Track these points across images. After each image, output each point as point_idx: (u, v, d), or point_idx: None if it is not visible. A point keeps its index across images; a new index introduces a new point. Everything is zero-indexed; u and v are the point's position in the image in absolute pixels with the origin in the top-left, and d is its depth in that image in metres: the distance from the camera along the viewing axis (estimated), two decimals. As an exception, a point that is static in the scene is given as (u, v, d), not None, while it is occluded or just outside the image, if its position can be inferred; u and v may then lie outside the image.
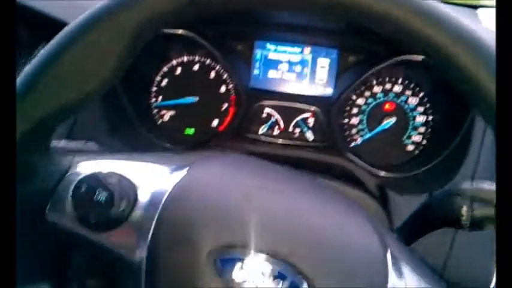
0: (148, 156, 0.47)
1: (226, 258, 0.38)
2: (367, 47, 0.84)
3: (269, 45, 0.87)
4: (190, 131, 0.90)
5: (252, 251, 0.38)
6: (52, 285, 0.50)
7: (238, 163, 0.49)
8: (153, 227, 0.39)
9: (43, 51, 0.35)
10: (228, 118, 0.89)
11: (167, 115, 0.90)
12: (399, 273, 0.42)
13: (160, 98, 0.90)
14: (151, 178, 0.44)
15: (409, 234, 0.62)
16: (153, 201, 0.41)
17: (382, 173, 0.84)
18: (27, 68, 0.35)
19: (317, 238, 0.41)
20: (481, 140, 0.75)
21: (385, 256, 0.42)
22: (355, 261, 0.41)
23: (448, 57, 0.34)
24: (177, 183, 0.42)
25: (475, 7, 0.95)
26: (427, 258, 0.69)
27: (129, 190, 0.42)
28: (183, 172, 0.43)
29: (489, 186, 0.51)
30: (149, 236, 0.39)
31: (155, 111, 0.90)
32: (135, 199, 0.42)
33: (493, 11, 0.95)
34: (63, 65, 0.35)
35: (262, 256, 0.38)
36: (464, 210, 0.50)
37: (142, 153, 0.47)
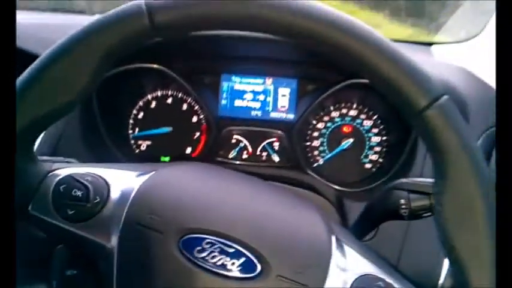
0: (120, 165, 0.54)
1: (188, 239, 0.44)
2: (323, 76, 0.94)
3: (234, 78, 0.96)
4: (165, 158, 0.98)
5: (210, 234, 0.44)
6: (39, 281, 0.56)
7: (201, 167, 0.56)
8: (123, 217, 0.46)
9: (30, 67, 0.41)
10: (200, 145, 0.97)
11: (144, 144, 0.98)
12: (342, 253, 0.47)
13: (137, 129, 0.98)
14: (122, 178, 0.51)
15: (359, 231, 0.67)
16: (124, 196, 0.48)
17: (340, 189, 0.91)
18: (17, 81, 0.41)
19: (268, 221, 0.48)
20: (423, 159, 0.83)
21: (329, 237, 0.47)
22: (303, 242, 0.46)
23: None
24: (145, 181, 0.49)
25: (429, 44, 1.05)
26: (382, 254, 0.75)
27: (102, 187, 0.49)
28: (150, 173, 0.51)
29: (423, 179, 0.56)
30: (120, 225, 0.46)
31: (132, 141, 0.98)
32: (108, 195, 0.49)
33: (446, 47, 1.05)
34: (47, 77, 0.41)
35: (220, 238, 0.44)
36: (402, 201, 0.55)
37: (115, 163, 0.54)
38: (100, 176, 0.50)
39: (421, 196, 0.55)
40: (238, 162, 0.95)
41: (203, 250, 0.43)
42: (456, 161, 0.38)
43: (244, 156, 0.96)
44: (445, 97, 0.38)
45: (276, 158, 0.95)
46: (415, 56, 0.40)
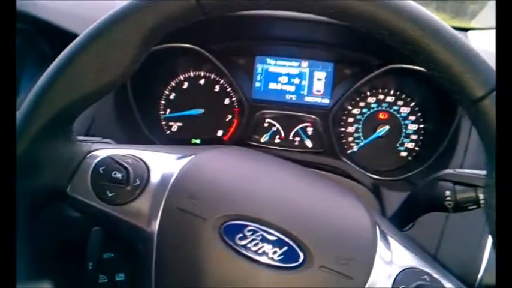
0: (159, 147, 0.53)
1: (229, 226, 0.43)
2: (360, 60, 0.91)
3: (269, 60, 0.93)
4: (196, 140, 0.96)
5: (252, 222, 0.43)
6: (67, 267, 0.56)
7: (242, 152, 0.55)
8: (163, 201, 0.45)
9: (69, 47, 0.40)
10: (232, 128, 0.95)
11: (175, 126, 0.97)
12: (387, 245, 0.46)
13: (168, 110, 0.96)
14: (162, 161, 0.50)
15: (400, 221, 0.65)
16: (164, 179, 0.47)
17: (376, 177, 0.89)
18: (55, 62, 0.40)
19: (311, 210, 0.46)
20: (467, 140, 0.80)
21: (374, 229, 0.46)
22: (347, 233, 0.45)
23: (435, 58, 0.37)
24: (185, 165, 0.48)
25: (465, 30, 1.01)
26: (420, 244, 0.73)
27: (142, 170, 0.48)
28: (190, 157, 0.49)
29: (469, 171, 0.55)
30: (161, 209, 0.45)
31: (164, 122, 0.97)
32: (148, 178, 0.48)
33: (482, 33, 1.01)
34: (88, 56, 0.40)
35: (262, 226, 0.43)
36: (447, 193, 0.54)
37: (154, 145, 0.53)
38: (140, 159, 0.49)
39: (467, 188, 0.53)
40: (270, 146, 0.93)
41: (245, 237, 0.42)
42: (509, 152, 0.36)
43: (277, 140, 0.94)
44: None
45: (309, 144, 0.93)
46: None
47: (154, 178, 0.48)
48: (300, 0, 0.38)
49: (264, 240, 0.42)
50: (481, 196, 0.52)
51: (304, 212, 0.46)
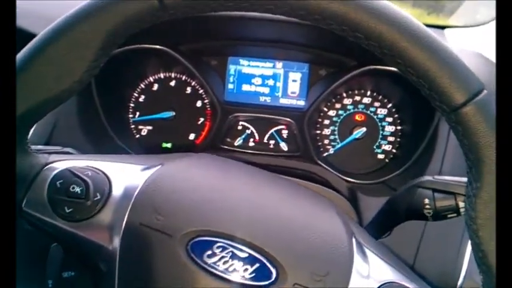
0: (122, 157, 0.49)
1: (197, 243, 0.40)
2: (336, 60, 0.88)
3: (242, 61, 0.90)
4: (167, 144, 0.93)
5: (221, 237, 0.40)
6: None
7: (211, 160, 0.52)
8: (126, 216, 0.42)
9: (27, 47, 0.37)
10: (204, 132, 0.92)
11: (144, 130, 0.93)
12: (364, 258, 0.44)
13: (137, 113, 0.92)
14: (125, 173, 0.46)
15: (377, 230, 0.64)
16: (127, 193, 0.44)
17: (353, 180, 0.87)
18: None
19: (284, 223, 0.43)
20: (446, 142, 0.79)
21: (350, 242, 0.44)
22: (322, 247, 0.43)
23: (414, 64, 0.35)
24: (150, 177, 0.45)
25: (442, 27, 1.00)
26: (397, 252, 0.72)
27: (103, 183, 0.45)
28: (155, 168, 0.46)
29: (449, 178, 0.53)
30: (123, 225, 0.42)
31: (133, 126, 0.92)
32: (109, 191, 0.44)
33: (459, 31, 0.99)
34: (42, 61, 0.37)
35: (232, 241, 0.40)
36: (426, 201, 0.52)
37: (116, 155, 0.50)
38: (101, 170, 0.46)
39: (446, 196, 0.52)
40: (244, 150, 0.90)
41: (213, 255, 0.40)
42: (493, 164, 0.34)
43: (251, 144, 0.91)
44: (485, 92, 0.35)
45: (284, 147, 0.90)
46: None
47: (116, 191, 0.44)
48: (270, 2, 0.35)
49: (234, 257, 0.40)
50: (461, 204, 0.51)
51: (277, 225, 0.43)
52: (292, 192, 0.50)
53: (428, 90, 0.35)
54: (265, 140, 0.91)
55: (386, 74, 0.83)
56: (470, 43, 0.94)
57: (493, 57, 0.92)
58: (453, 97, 0.34)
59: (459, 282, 0.70)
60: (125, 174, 0.46)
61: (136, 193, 0.43)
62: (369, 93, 0.90)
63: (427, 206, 0.52)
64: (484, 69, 0.89)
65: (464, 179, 0.38)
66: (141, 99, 0.92)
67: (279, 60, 0.90)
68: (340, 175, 0.87)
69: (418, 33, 0.35)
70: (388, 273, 0.44)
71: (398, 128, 0.90)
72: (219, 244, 0.40)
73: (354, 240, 0.45)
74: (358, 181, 0.87)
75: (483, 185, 0.35)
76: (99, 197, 0.44)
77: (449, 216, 0.52)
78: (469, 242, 0.37)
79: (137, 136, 0.93)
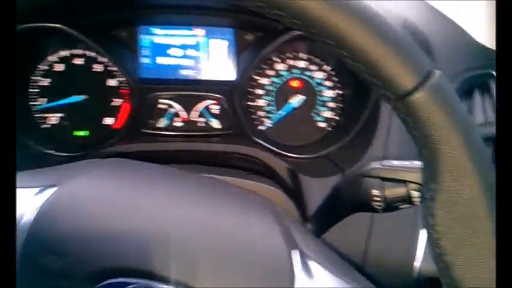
0: None
1: (108, 285, 0.33)
2: (264, 24, 0.78)
3: (155, 30, 0.78)
4: (82, 132, 0.81)
5: (137, 276, 0.33)
6: None
7: (121, 170, 0.43)
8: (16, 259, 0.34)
9: None
10: (122, 115, 0.80)
11: (52, 118, 0.80)
12: (308, 272, 0.39)
13: (41, 100, 0.79)
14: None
15: (324, 221, 0.60)
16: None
17: (294, 155, 0.79)
18: None
19: (215, 250, 0.37)
20: (389, 118, 0.71)
21: (290, 259, 0.38)
22: (259, 271, 0.37)
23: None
24: (44, 204, 0.36)
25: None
26: (347, 245, 0.65)
27: None
28: (50, 190, 0.38)
29: (399, 163, 0.48)
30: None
31: (38, 115, 0.80)
32: None
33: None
34: None
35: (150, 280, 0.33)
36: (375, 192, 0.47)
37: None
38: None
39: (397, 184, 0.46)
40: (170, 132, 0.80)
41: None
42: (453, 161, 0.28)
43: (178, 124, 0.80)
44: (437, 73, 0.28)
45: (216, 124, 0.81)
46: None
47: None
48: None
49: None
50: (414, 193, 0.46)
51: (204, 253, 0.36)
52: (221, 203, 0.42)
53: (368, 76, 0.29)
54: (193, 118, 0.80)
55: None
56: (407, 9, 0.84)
57: (438, 5, 0.84)
58: (398, 83, 0.28)
59: (417, 264, 0.65)
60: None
61: (27, 229, 0.35)
62: (304, 56, 0.81)
63: (376, 198, 0.47)
64: (429, 19, 0.81)
65: (417, 163, 0.34)
66: (45, 83, 0.79)
67: (200, 27, 0.79)
68: (280, 150, 0.79)
69: (348, 5, 0.27)
70: (335, 285, 0.39)
71: (339, 92, 0.82)
72: (133, 286, 0.33)
73: (295, 252, 0.39)
74: (299, 156, 0.79)
75: (441, 186, 0.29)
76: None
77: (401, 207, 0.47)
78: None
79: (43, 127, 0.80)
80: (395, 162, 0.48)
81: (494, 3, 0.79)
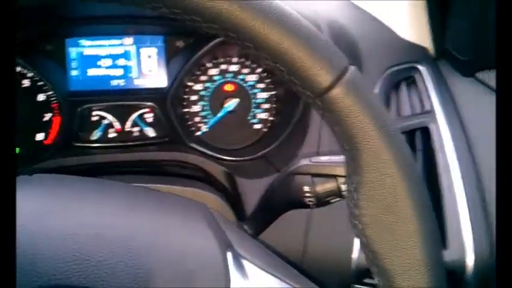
0: None
1: None
2: (195, 30, 0.78)
3: (83, 41, 0.77)
4: (14, 150, 0.79)
5: None
6: None
7: (47, 191, 0.42)
8: None
9: None
10: (53, 129, 0.79)
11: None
12: (243, 273, 0.39)
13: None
14: None
15: (260, 221, 0.60)
16: None
17: (231, 158, 0.79)
18: None
19: (144, 260, 0.35)
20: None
21: (225, 261, 0.38)
22: (194, 275, 0.37)
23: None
24: None
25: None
26: (286, 243, 0.66)
27: None
28: None
29: (327, 159, 0.49)
30: None
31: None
32: None
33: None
34: None
35: None
36: (306, 188, 0.49)
37: None
38: None
39: (326, 179, 0.49)
40: (105, 144, 0.79)
41: None
42: (372, 152, 0.30)
43: (112, 135, 0.80)
44: (352, 69, 0.30)
45: (150, 133, 0.81)
46: None
47: None
48: None
49: None
50: (343, 187, 0.48)
51: (134, 263, 0.35)
52: (151, 212, 0.42)
53: (287, 75, 0.30)
54: (127, 128, 0.80)
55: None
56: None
57: (364, 5, 0.87)
58: (315, 81, 0.29)
59: (354, 256, 0.67)
60: None
61: None
62: (235, 60, 0.82)
63: (308, 194, 0.49)
64: (355, 19, 0.84)
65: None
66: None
67: (129, 36, 0.79)
68: (217, 154, 0.79)
69: (261, 7, 0.28)
70: (271, 283, 0.39)
71: (272, 93, 0.83)
72: None
73: (229, 253, 0.39)
74: (236, 158, 0.80)
75: (363, 178, 0.30)
76: None
77: (332, 201, 0.50)
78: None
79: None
80: (324, 158, 0.49)
81: (418, 2, 0.83)
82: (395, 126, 0.31)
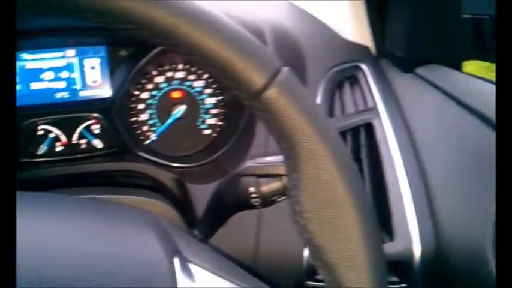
0: None
1: None
2: (136, 39, 0.78)
3: (24, 55, 0.77)
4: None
5: None
6: None
7: None
8: None
9: None
10: (-2, 145, 0.78)
11: None
12: (191, 278, 0.38)
13: None
14: None
15: (209, 225, 0.60)
16: None
17: (180, 165, 0.80)
18: None
19: (89, 273, 0.34)
20: None
21: (171, 266, 0.37)
22: (141, 283, 0.35)
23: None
24: None
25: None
26: (237, 246, 0.66)
27: None
28: None
29: (272, 159, 0.50)
30: None
31: None
32: None
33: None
34: None
35: None
36: (251, 190, 0.50)
37: None
38: None
39: (271, 179, 0.49)
40: (52, 158, 0.78)
41: None
42: (308, 150, 0.31)
43: (59, 148, 0.79)
44: (285, 69, 0.31)
45: (98, 144, 0.80)
46: None
47: None
48: None
49: None
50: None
51: (78, 276, 0.33)
52: (94, 222, 0.41)
53: (223, 78, 0.30)
54: (74, 141, 0.79)
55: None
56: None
57: (305, 6, 0.88)
58: (249, 82, 0.30)
59: (305, 253, 0.68)
60: None
61: None
62: (181, 66, 0.82)
63: (254, 195, 0.50)
64: (298, 21, 0.85)
65: None
66: None
67: (71, 48, 0.78)
68: (167, 162, 0.80)
69: (190, 10, 0.29)
70: (219, 284, 0.39)
71: (220, 98, 0.83)
72: None
73: (176, 261, 0.38)
74: (186, 165, 0.80)
75: (302, 175, 0.31)
76: None
77: (278, 200, 0.50)
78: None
79: None
80: (268, 159, 0.50)
81: (358, 3, 0.85)
82: (328, 123, 0.33)
